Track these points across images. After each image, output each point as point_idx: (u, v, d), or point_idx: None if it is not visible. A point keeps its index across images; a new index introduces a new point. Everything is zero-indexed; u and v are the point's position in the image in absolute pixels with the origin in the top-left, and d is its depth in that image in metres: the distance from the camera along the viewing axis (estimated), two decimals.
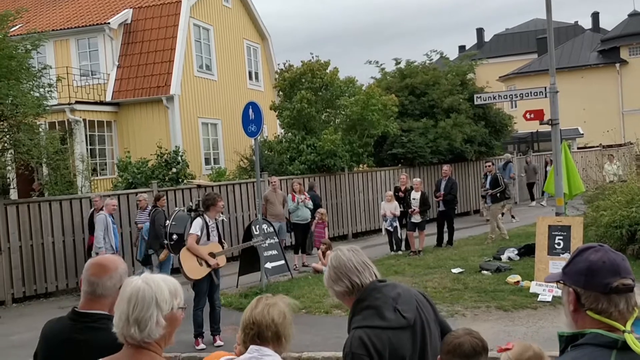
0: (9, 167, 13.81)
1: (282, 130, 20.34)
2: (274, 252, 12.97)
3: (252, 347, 2.87)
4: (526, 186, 24.36)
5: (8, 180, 14.16)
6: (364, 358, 2.74)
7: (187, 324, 8.54)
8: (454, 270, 12.13)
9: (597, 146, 30.20)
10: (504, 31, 55.44)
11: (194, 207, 11.00)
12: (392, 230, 14.94)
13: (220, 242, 9.07)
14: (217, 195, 9.33)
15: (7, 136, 13.19)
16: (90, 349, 2.63)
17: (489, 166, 16.39)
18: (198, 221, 8.91)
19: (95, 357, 2.52)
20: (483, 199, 17.72)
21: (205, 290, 8.89)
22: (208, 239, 8.88)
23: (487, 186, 15.87)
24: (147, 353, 2.42)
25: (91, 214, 12.84)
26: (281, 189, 15.12)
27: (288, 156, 18.37)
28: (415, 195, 14.62)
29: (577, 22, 53.02)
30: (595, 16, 48.97)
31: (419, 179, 15.60)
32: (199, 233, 8.75)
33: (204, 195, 10.56)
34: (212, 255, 8.80)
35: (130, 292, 2.38)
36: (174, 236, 10.71)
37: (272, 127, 22.73)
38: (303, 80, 18.87)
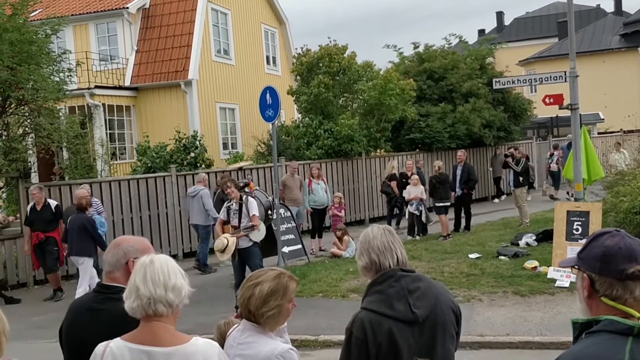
0: (30, 151, 13.99)
1: (300, 115, 20.34)
2: (291, 236, 13.04)
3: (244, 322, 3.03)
4: (493, 181, 21.91)
5: (29, 164, 14.35)
6: (359, 342, 2.79)
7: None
8: (471, 256, 12.11)
9: (618, 131, 29.86)
10: (525, 15, 54.71)
11: (215, 191, 11.30)
12: (418, 214, 14.91)
13: (239, 225, 9.35)
14: (224, 181, 9.80)
15: (28, 120, 13.35)
16: (107, 316, 2.86)
17: (513, 151, 16.74)
18: (223, 207, 9.54)
19: (111, 324, 2.73)
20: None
21: (234, 266, 9.51)
22: (228, 222, 9.30)
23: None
24: (165, 327, 2.53)
25: (33, 207, 11.66)
26: (298, 174, 15.17)
27: (305, 141, 18.37)
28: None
29: (599, 5, 52.20)
30: None
31: (440, 162, 15.62)
32: (221, 217, 9.39)
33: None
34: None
35: (160, 263, 2.56)
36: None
37: (290, 112, 22.74)
38: (320, 64, 18.82)
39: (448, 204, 14.79)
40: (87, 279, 10.37)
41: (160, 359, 2.48)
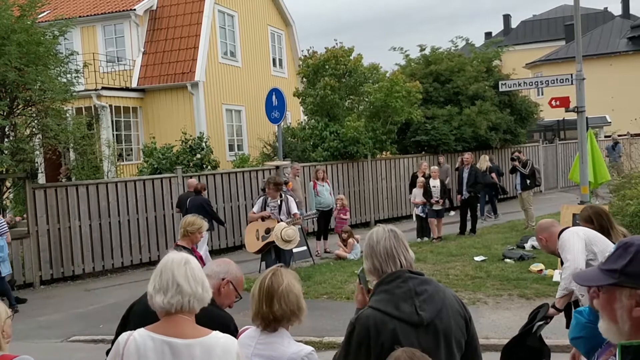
0: (37, 152, 14.04)
1: (306, 117, 20.37)
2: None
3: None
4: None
5: (36, 164, 14.40)
6: (360, 337, 2.80)
7: None
8: (477, 258, 12.09)
9: (625, 134, 29.75)
10: (532, 17, 54.56)
11: (262, 188, 12.39)
12: (424, 216, 14.91)
13: (284, 219, 10.03)
14: (270, 178, 10.56)
15: (36, 121, 13.40)
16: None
17: (517, 154, 16.82)
18: (259, 200, 10.34)
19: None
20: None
21: (270, 262, 9.92)
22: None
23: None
24: (188, 320, 2.64)
25: None
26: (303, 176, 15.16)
27: (311, 143, 18.38)
28: (435, 183, 14.66)
29: (606, 8, 52.03)
30: (625, 2, 47.98)
31: (436, 167, 15.65)
32: (255, 210, 10.23)
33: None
34: (268, 230, 9.90)
35: (195, 263, 2.68)
36: None
37: (296, 114, 22.77)
38: (327, 66, 18.83)
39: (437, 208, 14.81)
40: (205, 248, 12.10)
41: (181, 349, 2.56)
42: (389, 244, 2.92)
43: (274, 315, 2.99)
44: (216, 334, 2.64)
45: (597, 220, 5.20)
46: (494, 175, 17.86)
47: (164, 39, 20.13)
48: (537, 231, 5.46)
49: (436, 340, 2.81)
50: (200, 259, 6.45)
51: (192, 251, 6.32)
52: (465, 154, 16.24)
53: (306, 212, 14.42)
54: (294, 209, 10.17)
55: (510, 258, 11.77)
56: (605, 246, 4.90)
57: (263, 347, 2.97)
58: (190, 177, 14.56)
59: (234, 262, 3.70)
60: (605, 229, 5.18)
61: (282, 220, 10.06)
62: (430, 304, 2.82)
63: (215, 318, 3.26)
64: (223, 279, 3.46)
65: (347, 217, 14.77)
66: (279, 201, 10.09)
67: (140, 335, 2.60)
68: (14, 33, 12.09)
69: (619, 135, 29.93)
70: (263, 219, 10.22)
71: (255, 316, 3.05)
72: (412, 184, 15.72)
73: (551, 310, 5.06)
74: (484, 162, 17.86)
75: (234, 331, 3.32)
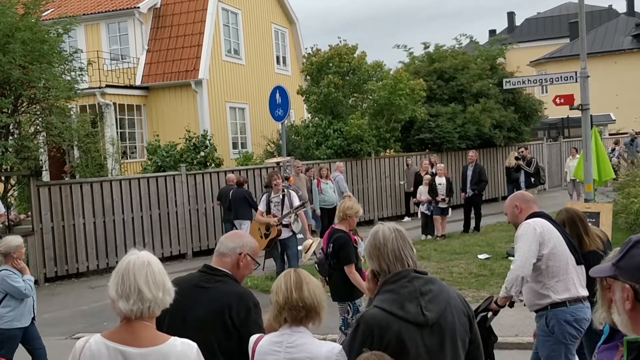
0: (42, 150, 14.07)
1: (309, 115, 20.35)
2: (300, 235, 13.04)
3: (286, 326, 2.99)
4: (404, 197, 18.89)
5: (40, 162, 14.43)
6: (364, 336, 2.76)
7: None
8: (480, 256, 12.08)
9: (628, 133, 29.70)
10: (536, 15, 54.44)
11: (266, 185, 12.82)
12: (429, 214, 14.89)
13: (284, 214, 10.23)
14: (273, 173, 10.64)
15: (40, 119, 13.43)
16: (214, 294, 3.31)
17: (523, 151, 16.89)
18: (263, 198, 10.50)
19: (217, 301, 3.24)
20: None
21: (276, 256, 10.33)
22: (268, 212, 10.20)
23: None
24: (146, 326, 2.56)
25: None
26: (303, 173, 15.11)
27: (315, 141, 18.38)
28: (441, 181, 14.63)
29: (611, 5, 51.85)
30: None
31: (442, 165, 15.62)
32: (261, 208, 10.39)
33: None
34: (268, 227, 10.16)
35: (157, 264, 2.59)
36: None
37: (299, 112, 22.76)
38: (330, 64, 18.82)
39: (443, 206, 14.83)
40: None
41: (135, 358, 2.50)
42: (397, 245, 2.88)
43: (303, 303, 2.92)
44: (173, 341, 2.56)
45: (570, 226, 5.20)
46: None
47: (168, 36, 20.14)
48: (516, 197, 5.23)
49: (441, 340, 2.80)
50: (355, 242, 6.54)
51: (349, 235, 6.32)
52: (470, 152, 16.22)
53: (311, 211, 14.42)
54: (296, 202, 10.28)
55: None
56: (555, 247, 4.90)
57: (295, 350, 2.91)
58: (230, 172, 15.13)
59: (245, 233, 3.69)
60: (579, 236, 5.19)
61: (284, 214, 10.23)
62: (435, 303, 2.81)
63: (238, 296, 3.36)
64: (240, 254, 3.43)
65: None
66: (281, 196, 10.22)
67: (95, 342, 2.56)
68: (18, 31, 12.11)
69: (623, 134, 29.88)
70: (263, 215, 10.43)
71: (282, 309, 2.95)
72: (416, 184, 15.61)
73: (492, 305, 5.16)
74: (512, 158, 17.98)
75: (254, 307, 3.35)
